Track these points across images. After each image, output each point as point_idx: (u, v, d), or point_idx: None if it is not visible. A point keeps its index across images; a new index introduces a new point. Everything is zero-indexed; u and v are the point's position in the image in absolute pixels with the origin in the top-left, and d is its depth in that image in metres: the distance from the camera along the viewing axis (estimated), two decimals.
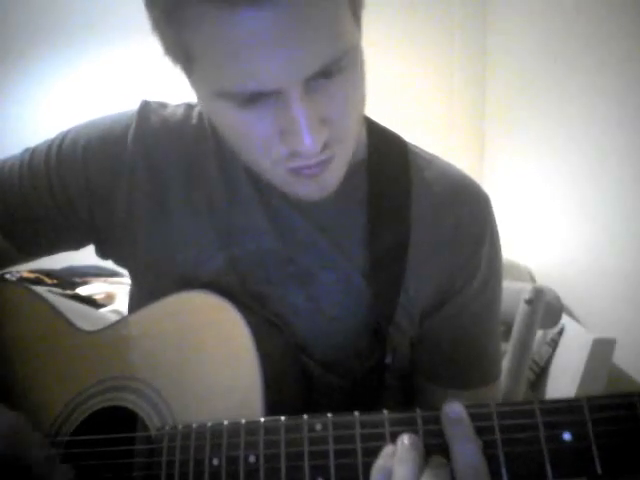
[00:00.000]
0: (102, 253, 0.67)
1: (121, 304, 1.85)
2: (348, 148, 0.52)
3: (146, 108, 0.63)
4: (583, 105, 1.88)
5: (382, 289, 0.59)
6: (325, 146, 0.48)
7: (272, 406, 0.49)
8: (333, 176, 0.52)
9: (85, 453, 0.53)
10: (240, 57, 0.41)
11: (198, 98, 0.52)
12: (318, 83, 0.44)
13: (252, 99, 0.44)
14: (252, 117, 0.46)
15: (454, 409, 0.40)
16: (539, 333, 1.63)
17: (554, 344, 1.73)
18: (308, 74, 0.43)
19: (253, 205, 0.60)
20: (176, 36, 0.44)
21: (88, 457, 0.53)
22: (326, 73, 0.44)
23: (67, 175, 0.61)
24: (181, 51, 0.45)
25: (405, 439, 0.40)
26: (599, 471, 0.37)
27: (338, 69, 0.45)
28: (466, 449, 0.39)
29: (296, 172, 0.50)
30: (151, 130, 0.62)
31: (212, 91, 0.46)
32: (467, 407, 0.41)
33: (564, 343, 1.71)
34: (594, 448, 0.37)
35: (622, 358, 1.61)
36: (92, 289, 2.02)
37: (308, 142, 0.45)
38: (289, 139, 0.46)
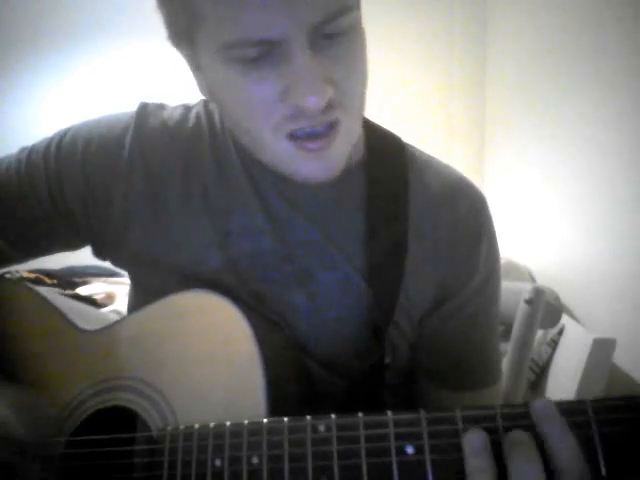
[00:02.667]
0: (99, 253, 0.67)
1: (121, 304, 1.85)
2: (353, 121, 0.53)
3: (144, 110, 0.64)
4: (583, 105, 1.88)
5: (382, 289, 0.59)
6: (329, 107, 0.48)
7: (274, 406, 0.48)
8: (337, 153, 0.52)
9: (85, 453, 0.53)
10: (247, 5, 0.43)
11: (202, 72, 0.53)
12: (322, 44, 0.46)
13: (257, 57, 0.46)
14: (255, 78, 0.47)
15: (545, 404, 0.39)
16: (539, 333, 1.63)
17: (554, 344, 1.73)
18: (312, 22, 0.44)
19: (251, 204, 0.60)
20: None
21: (88, 457, 0.53)
22: (329, 33, 0.46)
23: (65, 174, 0.61)
24: (187, 14, 0.47)
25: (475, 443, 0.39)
26: (603, 473, 0.36)
27: (341, 31, 0.47)
28: (567, 444, 0.37)
29: (300, 146, 0.50)
30: (149, 132, 0.62)
31: (218, 47, 0.47)
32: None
33: (564, 343, 1.71)
34: (599, 450, 0.37)
35: (622, 358, 1.61)
36: (92, 289, 2.02)
37: (312, 96, 0.46)
38: (292, 94, 0.47)
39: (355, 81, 0.51)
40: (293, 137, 0.50)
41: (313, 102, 0.46)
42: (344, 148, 0.53)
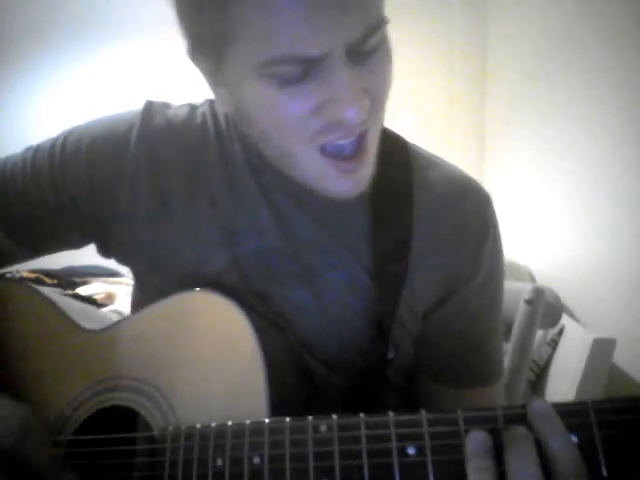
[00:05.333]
0: (104, 252, 0.66)
1: (121, 304, 1.84)
2: (377, 132, 0.54)
3: (150, 108, 0.64)
4: (583, 105, 1.88)
5: (386, 286, 0.59)
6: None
7: (275, 405, 0.48)
8: (366, 169, 0.53)
9: (87, 453, 0.53)
10: (289, 22, 0.43)
11: (227, 88, 0.52)
12: (358, 57, 0.47)
13: (297, 77, 0.46)
14: (290, 93, 0.47)
15: (542, 405, 0.39)
16: (539, 333, 1.63)
17: (554, 344, 1.73)
18: (353, 38, 0.45)
19: (256, 203, 0.60)
20: (218, 14, 0.45)
21: (90, 457, 0.53)
22: (365, 48, 0.46)
23: (71, 173, 0.61)
24: (220, 29, 0.46)
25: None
26: (604, 474, 0.37)
27: (375, 45, 0.47)
28: (564, 443, 0.37)
29: (334, 164, 0.51)
30: (155, 130, 0.62)
31: (255, 64, 0.46)
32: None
33: (564, 343, 1.72)
34: (600, 451, 0.37)
35: (622, 358, 1.62)
36: (92, 289, 2.02)
37: (354, 109, 0.46)
38: (331, 109, 0.47)
39: (386, 90, 0.52)
40: (325, 152, 0.50)
41: (354, 115, 0.47)
42: (371, 162, 0.54)
